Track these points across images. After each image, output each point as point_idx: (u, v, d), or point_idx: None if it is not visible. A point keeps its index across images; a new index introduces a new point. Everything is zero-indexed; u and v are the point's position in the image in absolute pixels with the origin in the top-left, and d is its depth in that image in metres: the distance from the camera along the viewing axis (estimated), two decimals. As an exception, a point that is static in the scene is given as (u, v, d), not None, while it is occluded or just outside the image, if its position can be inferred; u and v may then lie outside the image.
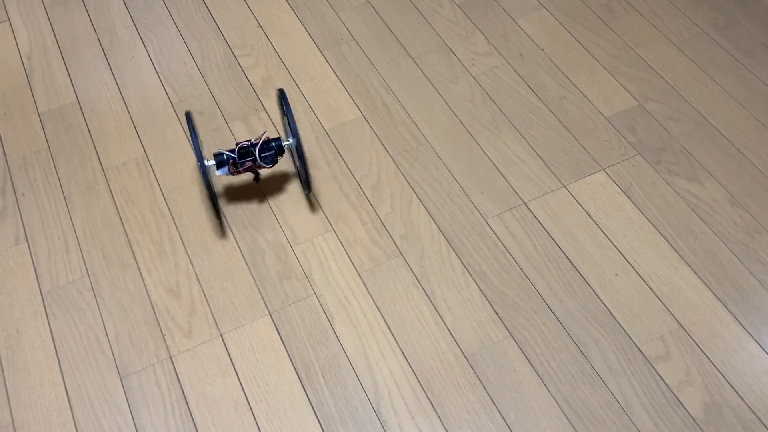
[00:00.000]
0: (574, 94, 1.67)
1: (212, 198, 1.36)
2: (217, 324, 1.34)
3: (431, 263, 1.40)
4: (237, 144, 1.40)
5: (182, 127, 1.63)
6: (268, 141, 1.40)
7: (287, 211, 1.48)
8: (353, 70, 1.73)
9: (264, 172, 1.51)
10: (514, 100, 1.66)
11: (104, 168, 1.57)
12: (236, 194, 1.51)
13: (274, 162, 1.40)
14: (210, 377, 1.28)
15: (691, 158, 1.54)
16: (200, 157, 1.32)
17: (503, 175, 1.53)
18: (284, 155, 1.51)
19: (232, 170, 1.38)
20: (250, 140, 1.41)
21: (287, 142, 1.44)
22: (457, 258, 1.41)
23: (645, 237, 1.43)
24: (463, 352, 1.29)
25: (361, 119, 1.63)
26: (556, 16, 1.83)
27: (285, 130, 1.50)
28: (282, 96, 1.39)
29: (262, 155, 1.38)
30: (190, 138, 1.40)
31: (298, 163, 1.44)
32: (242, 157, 1.38)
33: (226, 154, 1.38)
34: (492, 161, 1.55)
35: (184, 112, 1.47)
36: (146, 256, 1.43)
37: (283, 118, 1.48)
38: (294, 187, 1.52)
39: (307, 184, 1.43)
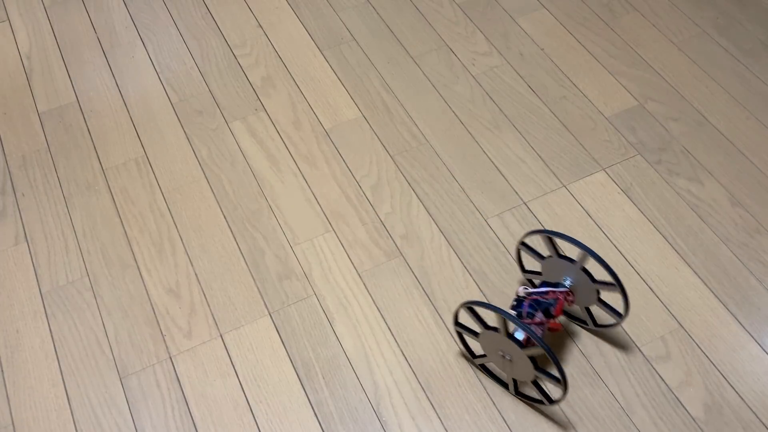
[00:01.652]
0: (574, 94, 1.67)
1: (557, 362, 1.10)
2: (217, 324, 1.34)
3: (431, 263, 1.40)
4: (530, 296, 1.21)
5: (182, 127, 1.63)
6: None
7: (287, 211, 1.48)
8: (353, 69, 1.73)
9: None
10: (514, 100, 1.66)
11: (104, 168, 1.57)
12: (236, 194, 1.51)
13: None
14: (210, 377, 1.28)
15: (691, 158, 1.54)
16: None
17: (503, 175, 1.53)
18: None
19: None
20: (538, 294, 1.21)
21: (566, 282, 1.23)
22: (457, 258, 1.41)
23: (645, 237, 1.43)
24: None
25: (361, 119, 1.63)
26: (556, 16, 1.83)
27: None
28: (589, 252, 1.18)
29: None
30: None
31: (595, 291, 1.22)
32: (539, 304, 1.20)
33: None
34: (492, 161, 1.55)
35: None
36: (146, 256, 1.43)
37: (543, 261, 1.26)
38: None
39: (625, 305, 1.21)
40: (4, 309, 1.37)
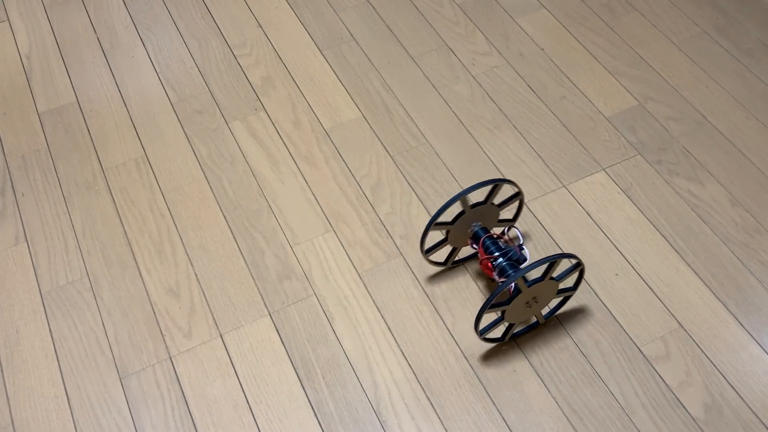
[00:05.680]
0: (574, 94, 1.67)
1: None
2: (216, 324, 1.34)
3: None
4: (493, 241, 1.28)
5: (182, 127, 1.63)
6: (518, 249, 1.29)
7: (287, 211, 1.48)
8: (353, 70, 1.73)
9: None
10: (514, 100, 1.66)
11: (104, 168, 1.57)
12: (236, 194, 1.51)
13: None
14: (210, 377, 1.28)
15: (691, 158, 1.54)
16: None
17: (503, 176, 1.53)
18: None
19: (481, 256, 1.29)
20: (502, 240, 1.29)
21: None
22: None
23: (645, 237, 1.43)
24: (463, 352, 1.29)
25: (361, 119, 1.63)
26: (556, 16, 1.83)
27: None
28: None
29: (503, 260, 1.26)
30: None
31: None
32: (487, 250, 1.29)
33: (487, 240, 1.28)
34: (492, 161, 1.55)
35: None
36: (146, 256, 1.43)
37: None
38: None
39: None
40: (4, 309, 1.37)
